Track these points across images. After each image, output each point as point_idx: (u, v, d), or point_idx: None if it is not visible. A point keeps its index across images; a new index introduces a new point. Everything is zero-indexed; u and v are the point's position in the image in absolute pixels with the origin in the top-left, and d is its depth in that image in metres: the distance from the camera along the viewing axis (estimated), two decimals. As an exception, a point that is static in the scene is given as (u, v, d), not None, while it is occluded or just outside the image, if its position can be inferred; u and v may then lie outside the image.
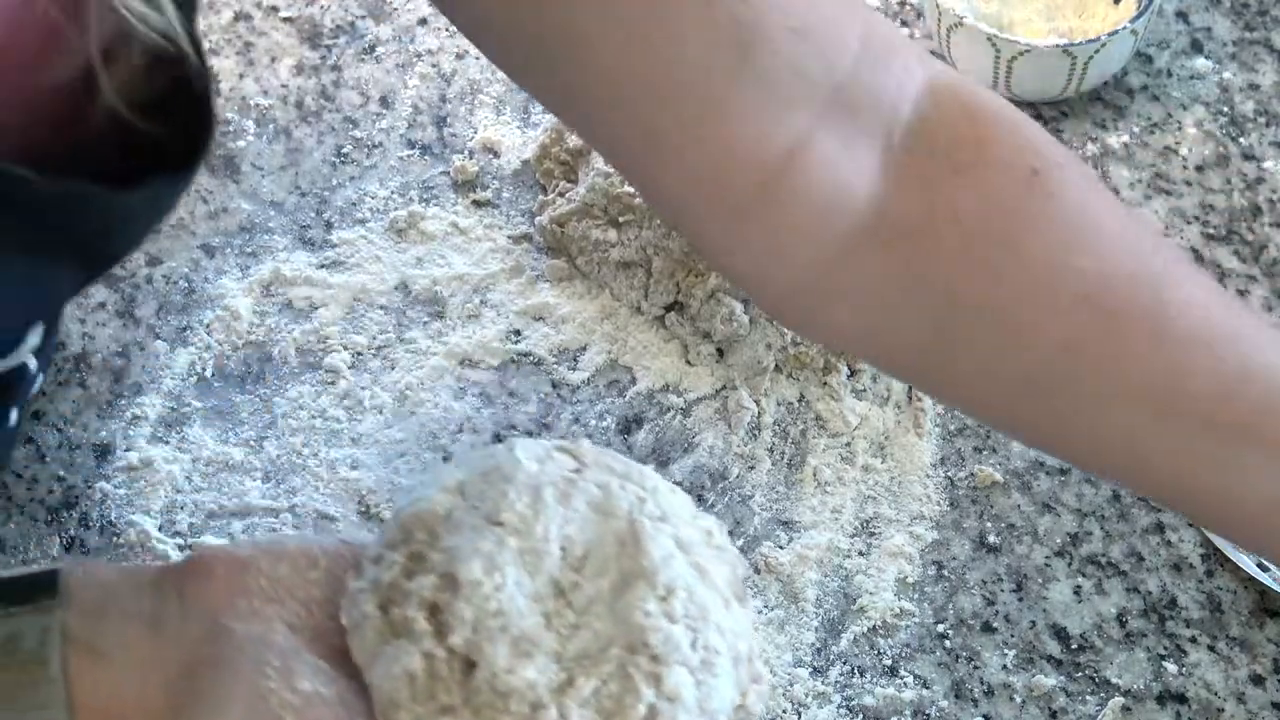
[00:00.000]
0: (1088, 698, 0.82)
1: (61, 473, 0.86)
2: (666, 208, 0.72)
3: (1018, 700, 0.81)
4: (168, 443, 0.88)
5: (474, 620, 0.60)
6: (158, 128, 0.60)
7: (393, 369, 0.91)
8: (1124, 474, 0.72)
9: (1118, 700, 0.81)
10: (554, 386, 0.91)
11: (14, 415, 0.82)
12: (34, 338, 0.77)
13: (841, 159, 0.66)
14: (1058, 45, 0.99)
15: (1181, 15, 1.07)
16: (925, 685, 0.82)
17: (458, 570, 0.61)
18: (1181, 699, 0.82)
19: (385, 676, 0.60)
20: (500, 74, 1.03)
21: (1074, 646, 0.83)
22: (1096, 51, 0.99)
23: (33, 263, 0.64)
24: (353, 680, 0.61)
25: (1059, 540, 0.87)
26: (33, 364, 0.80)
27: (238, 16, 1.05)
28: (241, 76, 1.02)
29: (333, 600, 0.63)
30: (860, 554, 0.86)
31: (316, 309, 0.93)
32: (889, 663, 0.82)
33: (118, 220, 0.66)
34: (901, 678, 0.82)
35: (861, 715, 0.81)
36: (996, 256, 0.67)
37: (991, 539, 0.87)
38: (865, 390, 0.91)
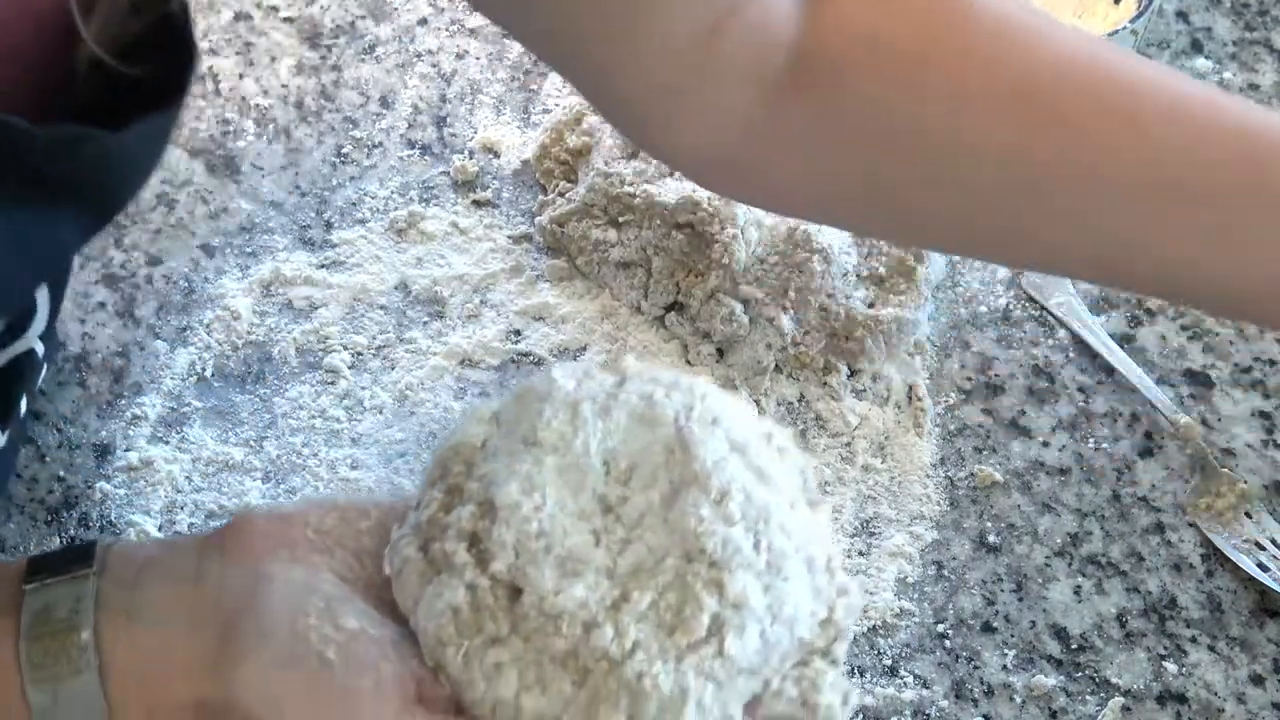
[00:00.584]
0: (1088, 698, 0.82)
1: (61, 473, 0.86)
2: (604, 90, 0.71)
3: (1018, 700, 0.81)
4: (168, 443, 0.88)
5: (515, 544, 0.57)
6: (141, 68, 0.59)
7: (393, 369, 0.91)
8: (1116, 271, 0.70)
9: (1118, 700, 0.81)
10: (554, 386, 0.91)
11: (24, 403, 0.82)
12: (40, 322, 0.77)
13: (767, 12, 0.66)
14: (1058, 45, 0.99)
15: (1181, 15, 1.07)
16: (925, 685, 0.82)
17: (494, 495, 0.58)
18: (1181, 699, 0.82)
19: (429, 615, 0.58)
20: (500, 74, 1.03)
21: (1074, 646, 0.83)
22: (1096, 51, 0.99)
23: (35, 215, 0.64)
24: (405, 628, 0.60)
25: (1059, 540, 0.87)
26: (40, 349, 0.80)
27: (238, 16, 1.05)
28: (241, 76, 1.02)
29: (383, 553, 0.61)
30: (860, 554, 0.86)
31: (316, 309, 0.93)
32: (889, 663, 0.82)
33: (113, 162, 0.65)
34: (901, 678, 0.82)
35: (861, 715, 0.81)
36: (918, 74, 0.66)
37: (991, 539, 0.87)
38: (865, 390, 0.91)
